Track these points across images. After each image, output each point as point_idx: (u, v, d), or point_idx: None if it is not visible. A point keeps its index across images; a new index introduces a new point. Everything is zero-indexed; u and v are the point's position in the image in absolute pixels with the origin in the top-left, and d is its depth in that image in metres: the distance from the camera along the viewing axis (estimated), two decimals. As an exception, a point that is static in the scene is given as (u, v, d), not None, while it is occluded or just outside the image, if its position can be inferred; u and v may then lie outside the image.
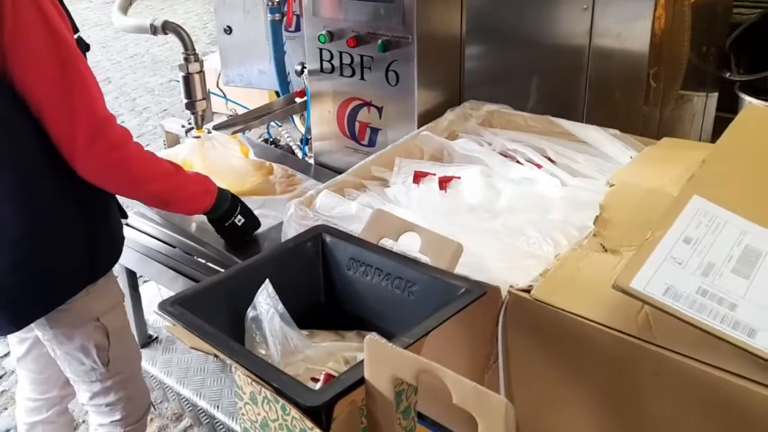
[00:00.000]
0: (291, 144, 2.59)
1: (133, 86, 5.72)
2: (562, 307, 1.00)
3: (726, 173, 1.14)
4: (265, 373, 0.88)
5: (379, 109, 1.81)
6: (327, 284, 1.19)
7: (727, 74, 2.85)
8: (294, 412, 0.86)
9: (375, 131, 1.84)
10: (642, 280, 0.92)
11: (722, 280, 0.93)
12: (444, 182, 1.38)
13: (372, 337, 0.84)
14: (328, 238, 1.19)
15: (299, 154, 2.34)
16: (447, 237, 1.08)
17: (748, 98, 2.61)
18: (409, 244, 1.14)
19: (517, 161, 1.52)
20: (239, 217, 1.56)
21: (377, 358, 0.85)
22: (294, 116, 2.57)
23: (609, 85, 2.13)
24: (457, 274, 1.06)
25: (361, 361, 0.87)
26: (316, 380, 0.97)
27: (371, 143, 1.86)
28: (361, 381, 0.87)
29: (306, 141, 2.24)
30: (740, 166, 1.16)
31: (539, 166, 1.49)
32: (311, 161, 2.04)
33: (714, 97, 2.73)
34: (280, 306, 1.04)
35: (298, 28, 2.30)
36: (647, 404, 0.96)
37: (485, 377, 1.12)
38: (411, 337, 0.91)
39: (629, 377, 0.97)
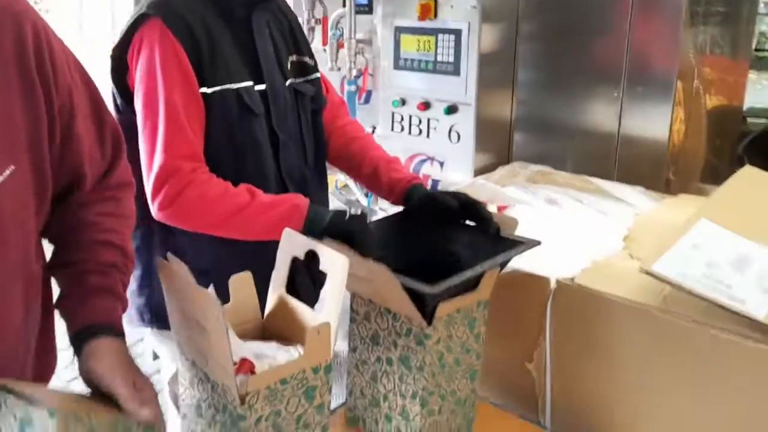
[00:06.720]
0: (357, 195, 2.90)
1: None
2: (598, 290, 1.30)
3: (727, 206, 1.45)
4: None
5: (441, 164, 2.16)
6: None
7: (741, 172, 3.17)
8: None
9: (436, 182, 2.19)
10: (661, 267, 1.23)
11: (721, 271, 1.23)
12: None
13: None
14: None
15: (364, 202, 2.68)
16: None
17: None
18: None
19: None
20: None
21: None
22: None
23: (635, 172, 2.45)
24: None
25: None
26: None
27: (432, 193, 2.20)
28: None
29: (370, 194, 2.58)
30: (738, 203, 1.48)
31: (576, 211, 1.80)
32: (377, 208, 2.38)
33: (729, 193, 3.03)
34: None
35: (366, 101, 2.70)
36: (664, 366, 1.24)
37: (534, 353, 1.40)
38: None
39: (649, 344, 1.25)
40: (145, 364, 3.18)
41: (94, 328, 1.05)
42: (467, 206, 1.39)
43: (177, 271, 0.98)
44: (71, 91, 1.06)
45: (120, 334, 1.08)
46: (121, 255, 1.15)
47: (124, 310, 1.14)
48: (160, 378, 3.03)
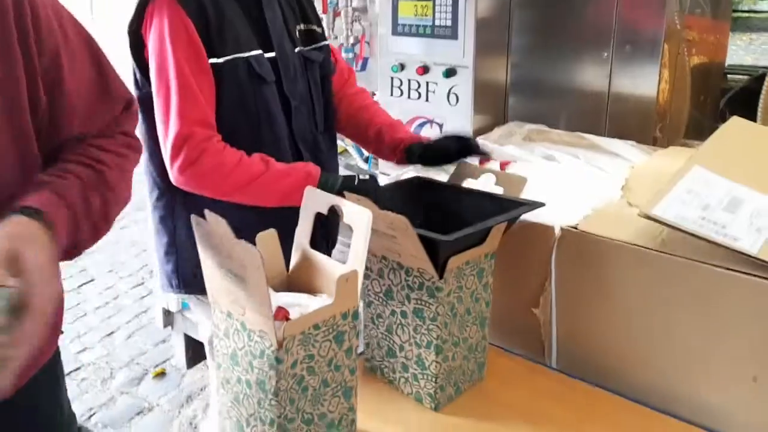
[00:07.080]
0: (357, 160, 2.96)
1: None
2: (601, 234, 1.38)
3: (718, 154, 1.53)
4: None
5: (440, 125, 2.23)
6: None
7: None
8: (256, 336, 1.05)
9: (436, 144, 2.26)
10: (660, 211, 1.31)
11: (716, 213, 1.32)
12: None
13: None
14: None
15: (364, 167, 2.75)
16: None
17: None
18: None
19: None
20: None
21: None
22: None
23: (624, 130, 2.53)
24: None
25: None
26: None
27: (432, 155, 2.28)
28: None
29: (370, 158, 2.65)
30: (728, 151, 1.56)
31: (573, 166, 1.88)
32: (377, 172, 2.44)
33: (712, 146, 3.14)
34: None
35: (363, 68, 2.75)
36: (665, 304, 1.33)
37: (540, 298, 1.49)
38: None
39: (650, 283, 1.34)
40: (155, 333, 3.26)
41: (8, 213, 0.90)
42: (460, 140, 1.54)
43: (214, 227, 1.05)
44: (59, 52, 1.03)
45: (45, 221, 0.91)
46: (90, 171, 1.07)
47: (73, 218, 1.00)
48: (170, 342, 3.10)
